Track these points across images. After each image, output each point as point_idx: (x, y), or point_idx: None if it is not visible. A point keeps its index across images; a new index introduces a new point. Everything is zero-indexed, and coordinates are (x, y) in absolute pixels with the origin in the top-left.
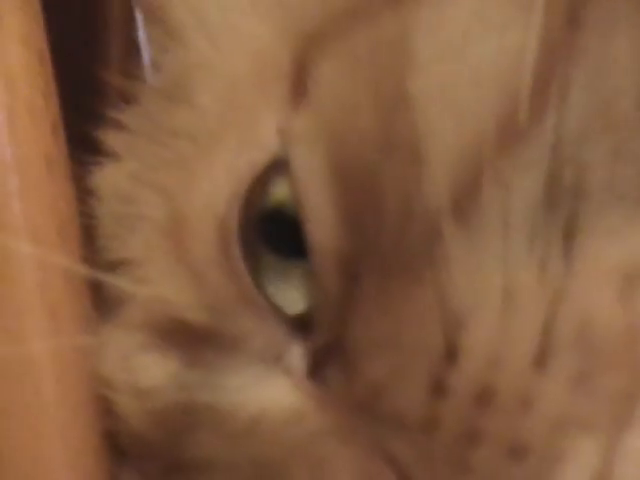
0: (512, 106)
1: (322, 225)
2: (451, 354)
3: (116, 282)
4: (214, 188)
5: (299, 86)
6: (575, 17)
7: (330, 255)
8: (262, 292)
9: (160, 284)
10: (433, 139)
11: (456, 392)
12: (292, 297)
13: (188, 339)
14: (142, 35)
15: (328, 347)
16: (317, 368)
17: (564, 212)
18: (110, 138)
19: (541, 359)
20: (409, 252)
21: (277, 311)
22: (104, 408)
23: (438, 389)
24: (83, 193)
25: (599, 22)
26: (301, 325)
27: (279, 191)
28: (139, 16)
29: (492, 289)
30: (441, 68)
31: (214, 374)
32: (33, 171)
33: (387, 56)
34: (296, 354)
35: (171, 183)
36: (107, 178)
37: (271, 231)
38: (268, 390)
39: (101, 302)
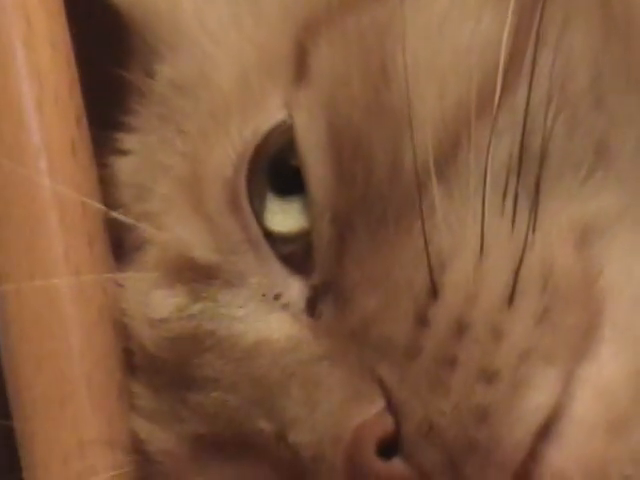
0: (488, 79)
1: (320, 179)
2: (434, 291)
3: (138, 225)
4: (225, 153)
5: (301, 65)
6: (538, 8)
7: (326, 205)
8: (266, 238)
9: (176, 229)
10: (419, 104)
11: (437, 323)
12: (292, 232)
13: (197, 276)
14: None
15: (324, 285)
16: (313, 303)
17: (531, 175)
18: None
19: (510, 298)
20: (397, 204)
21: (278, 253)
22: (123, 333)
23: (421, 320)
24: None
25: (557, 15)
26: (299, 265)
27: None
28: None
29: (470, 237)
30: (425, 45)
31: (219, 306)
32: (60, 154)
33: (375, 36)
34: (294, 291)
35: (191, 149)
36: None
37: (275, 177)
38: (268, 321)
39: (122, 249)
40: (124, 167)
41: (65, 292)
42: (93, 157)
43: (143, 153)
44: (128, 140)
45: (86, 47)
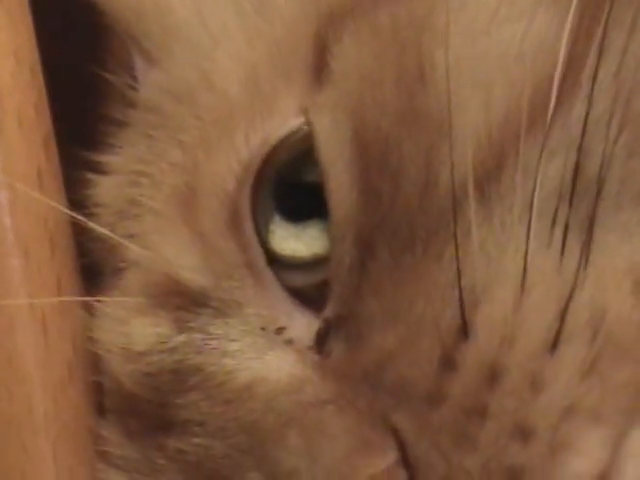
0: (541, 90)
1: (344, 195)
2: (464, 330)
3: (123, 243)
4: (227, 164)
5: (321, 64)
6: (603, 12)
7: (348, 224)
8: (270, 263)
9: (164, 248)
10: (460, 114)
11: (466, 368)
12: (304, 258)
13: (184, 303)
14: None
15: (338, 318)
16: (322, 339)
17: (585, 204)
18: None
19: (553, 344)
20: (427, 226)
21: (284, 281)
22: (92, 365)
23: (448, 363)
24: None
25: (624, 18)
26: (310, 296)
27: (294, 157)
28: None
29: (510, 270)
30: (469, 45)
31: (208, 339)
32: (24, 184)
33: (412, 31)
34: (300, 325)
35: (188, 160)
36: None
37: (285, 194)
38: (266, 358)
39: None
40: (107, 184)
41: (28, 345)
42: (62, 185)
43: (130, 167)
44: (112, 154)
45: (59, 48)
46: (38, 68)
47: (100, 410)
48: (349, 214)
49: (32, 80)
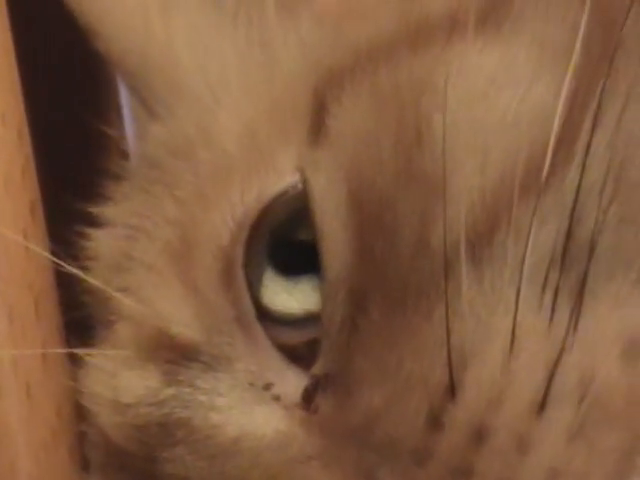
0: (536, 156)
1: (337, 253)
2: (452, 389)
3: (115, 297)
4: (222, 219)
5: (319, 123)
6: (599, 83)
7: (340, 282)
8: (261, 319)
9: (157, 302)
10: (455, 177)
11: (453, 427)
12: (295, 315)
13: (174, 356)
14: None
15: (326, 375)
16: (310, 396)
17: (576, 269)
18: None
19: (541, 406)
20: (419, 286)
21: (274, 337)
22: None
23: (435, 422)
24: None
25: (619, 90)
26: (300, 353)
27: (289, 214)
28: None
29: (499, 331)
30: (467, 110)
31: (196, 393)
32: (10, 251)
33: (411, 93)
34: (289, 381)
35: (184, 215)
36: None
37: (279, 251)
38: (253, 414)
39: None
40: (102, 237)
41: (12, 407)
42: (48, 248)
43: (125, 221)
44: (108, 207)
45: (57, 101)
46: (26, 131)
47: (85, 465)
48: (342, 273)
49: (19, 144)
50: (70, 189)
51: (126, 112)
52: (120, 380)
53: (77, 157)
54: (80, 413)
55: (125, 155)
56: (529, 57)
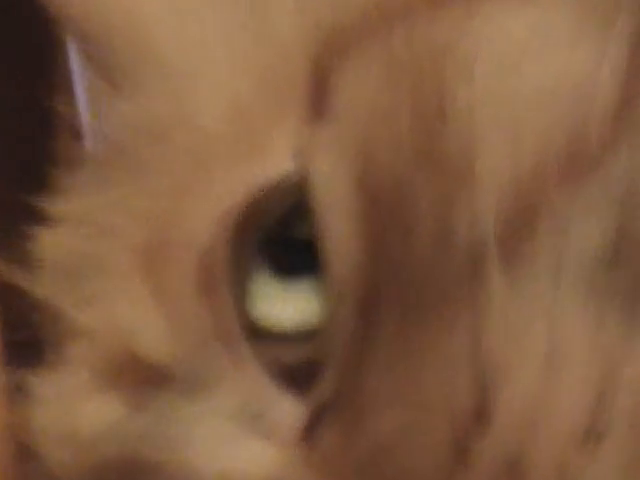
0: (579, 138)
1: (345, 251)
2: (481, 415)
3: (68, 308)
4: (202, 213)
5: (321, 97)
6: None
7: (348, 286)
8: (249, 335)
9: (120, 314)
10: (484, 160)
11: (483, 459)
12: (293, 330)
13: (141, 380)
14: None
15: (330, 401)
16: (311, 426)
17: (630, 270)
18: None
19: (587, 434)
20: (440, 290)
21: (265, 357)
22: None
23: (461, 453)
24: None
25: None
26: (297, 376)
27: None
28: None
29: (537, 345)
30: (496, 83)
31: (169, 423)
32: None
33: (431, 63)
34: (284, 409)
35: (155, 210)
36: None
37: (273, 253)
38: (239, 448)
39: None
40: (54, 238)
41: None
42: None
43: (82, 217)
44: (59, 201)
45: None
46: None
47: None
48: (349, 276)
49: None
50: (11, 178)
51: (78, 83)
52: (74, 412)
53: (19, 139)
54: (24, 452)
55: (79, 136)
56: (566, 19)
